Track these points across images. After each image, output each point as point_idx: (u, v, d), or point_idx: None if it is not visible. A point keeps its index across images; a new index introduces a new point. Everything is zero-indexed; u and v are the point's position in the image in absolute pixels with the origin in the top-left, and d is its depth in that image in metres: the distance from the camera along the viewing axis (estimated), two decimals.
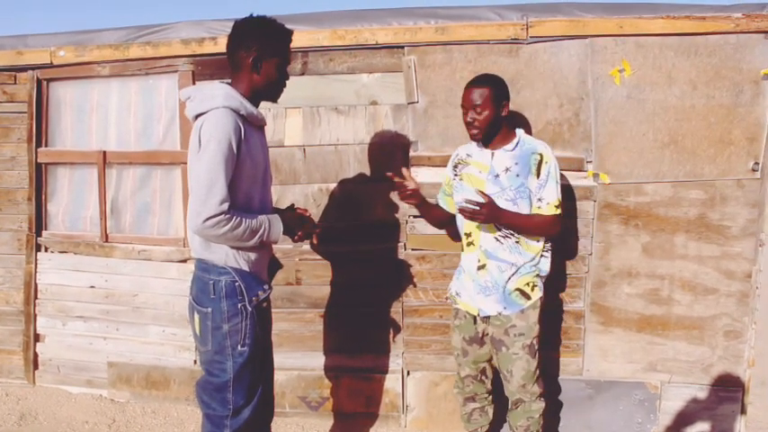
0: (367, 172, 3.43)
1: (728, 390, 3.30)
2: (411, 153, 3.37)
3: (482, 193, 2.66)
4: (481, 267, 2.81)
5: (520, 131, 2.83)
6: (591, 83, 3.17)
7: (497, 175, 2.76)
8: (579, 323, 3.36)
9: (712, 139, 3.13)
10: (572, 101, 3.20)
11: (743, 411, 3.32)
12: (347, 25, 3.33)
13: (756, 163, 3.11)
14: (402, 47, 3.31)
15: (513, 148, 2.77)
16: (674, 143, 3.15)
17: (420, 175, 3.36)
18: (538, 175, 2.73)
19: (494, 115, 2.69)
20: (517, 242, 2.76)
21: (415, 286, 3.45)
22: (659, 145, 3.16)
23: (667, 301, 3.27)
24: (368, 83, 3.39)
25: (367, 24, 3.31)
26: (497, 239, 2.77)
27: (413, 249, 3.44)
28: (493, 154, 2.79)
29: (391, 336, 3.52)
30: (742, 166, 3.13)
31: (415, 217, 3.39)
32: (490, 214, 2.63)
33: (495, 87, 2.70)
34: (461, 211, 2.66)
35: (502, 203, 2.71)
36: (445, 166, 3.27)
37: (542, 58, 3.20)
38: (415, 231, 3.41)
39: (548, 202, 2.73)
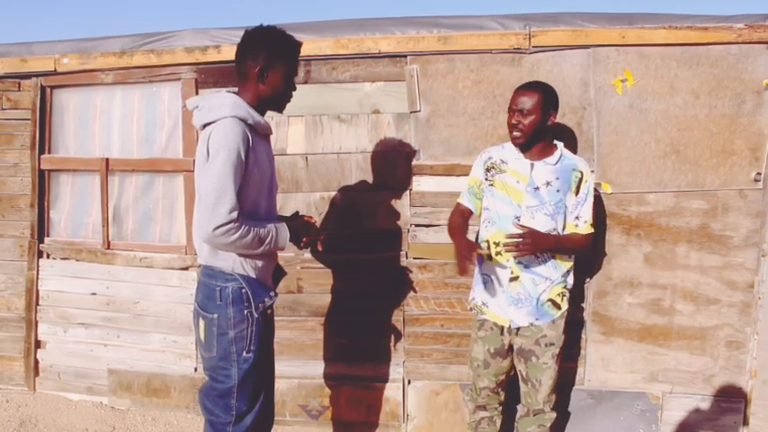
0: (369, 180, 3.43)
1: (731, 400, 3.29)
2: (413, 162, 3.37)
3: (520, 225, 2.64)
4: (514, 279, 2.78)
5: (560, 145, 2.80)
6: (593, 92, 3.18)
7: (537, 188, 2.73)
8: (581, 333, 3.35)
9: (714, 149, 3.13)
10: (574, 110, 3.21)
11: (745, 422, 3.31)
12: (350, 34, 3.34)
13: (759, 173, 3.11)
14: (405, 56, 3.32)
15: (555, 162, 2.74)
16: (677, 153, 3.15)
17: (422, 184, 3.37)
18: (577, 192, 2.74)
19: (539, 122, 2.67)
20: (553, 257, 2.76)
21: (416, 293, 3.44)
22: (661, 154, 3.17)
23: (669, 311, 3.27)
24: (370, 92, 3.40)
25: (370, 33, 3.33)
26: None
27: (414, 258, 3.43)
28: (532, 165, 2.75)
29: (393, 342, 3.52)
30: (744, 177, 3.13)
31: (416, 226, 3.40)
32: (535, 245, 2.60)
33: (545, 94, 2.68)
34: (506, 246, 2.59)
35: (540, 217, 2.71)
36: (447, 175, 3.30)
37: (545, 68, 3.20)
38: (417, 240, 3.41)
39: (585, 221, 2.75)
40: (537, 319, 2.78)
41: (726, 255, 3.19)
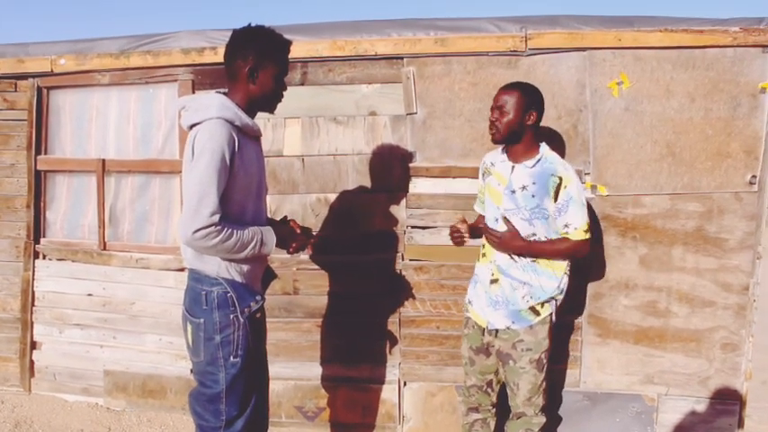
0: (365, 182, 3.43)
1: (726, 403, 3.30)
2: (409, 164, 3.37)
3: (506, 220, 2.68)
4: (494, 281, 2.77)
5: (543, 146, 2.73)
6: (589, 95, 3.18)
7: (513, 192, 2.69)
8: (576, 335, 3.36)
9: (710, 152, 3.14)
10: (570, 113, 3.21)
11: (740, 425, 3.31)
12: (347, 36, 3.35)
13: (754, 176, 3.12)
14: (401, 58, 3.33)
15: (533, 165, 2.67)
16: (672, 155, 3.16)
17: (418, 186, 3.37)
18: (556, 198, 2.62)
19: (516, 122, 2.63)
20: (533, 261, 2.70)
21: (413, 297, 3.45)
22: (657, 157, 3.17)
23: (665, 313, 3.27)
24: (367, 93, 3.40)
25: (366, 35, 3.33)
26: (511, 257, 2.72)
27: (411, 260, 3.44)
28: (513, 168, 2.72)
29: (388, 346, 3.51)
30: (739, 179, 3.14)
31: (413, 227, 3.40)
32: (501, 244, 2.70)
33: (524, 94, 2.64)
34: (487, 236, 2.75)
35: (517, 221, 2.67)
36: (443, 177, 3.32)
37: (541, 70, 3.21)
38: (413, 242, 3.42)
39: (575, 228, 2.63)
40: (513, 323, 2.73)
41: (721, 257, 3.20)
